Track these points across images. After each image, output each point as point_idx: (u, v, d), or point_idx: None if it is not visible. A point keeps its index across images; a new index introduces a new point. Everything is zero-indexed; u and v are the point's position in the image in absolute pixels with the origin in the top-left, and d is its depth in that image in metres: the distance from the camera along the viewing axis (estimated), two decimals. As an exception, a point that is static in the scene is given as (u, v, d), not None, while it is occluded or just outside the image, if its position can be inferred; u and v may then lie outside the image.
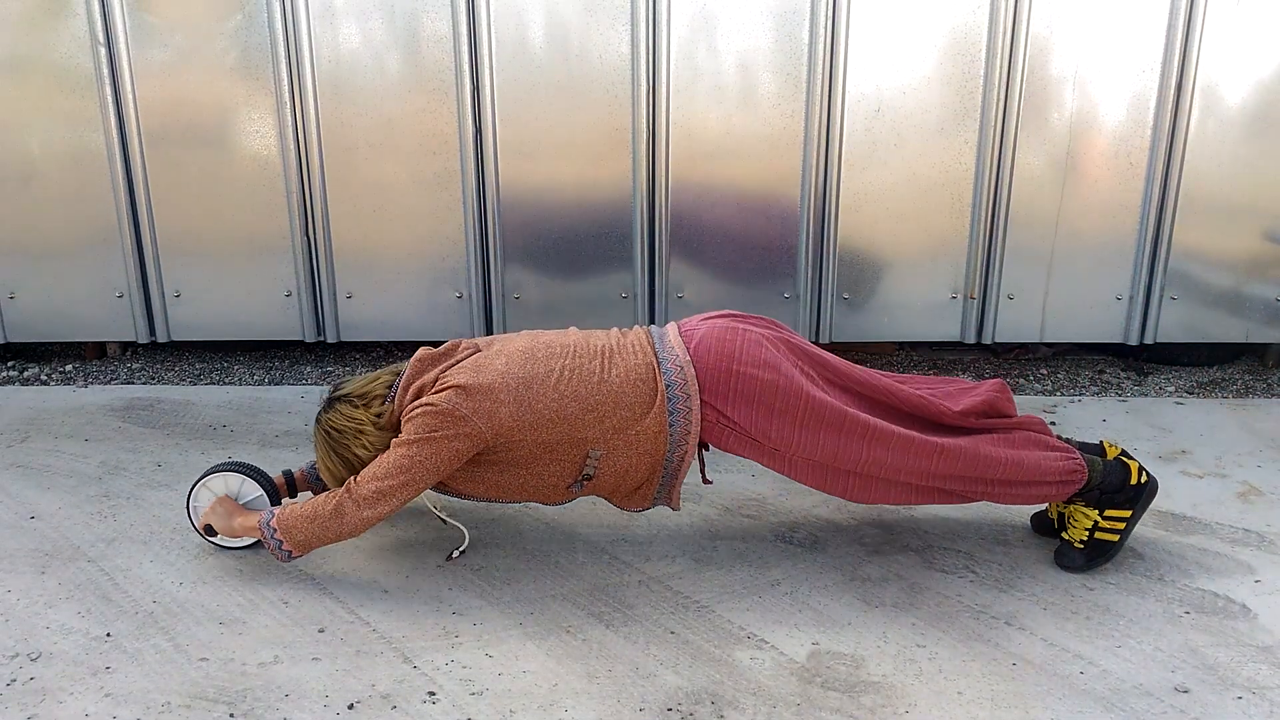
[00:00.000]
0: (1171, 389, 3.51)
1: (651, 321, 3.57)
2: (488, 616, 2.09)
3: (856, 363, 2.31)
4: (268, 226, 3.48)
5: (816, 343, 3.61)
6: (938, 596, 2.16)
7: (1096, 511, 2.23)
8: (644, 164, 3.38)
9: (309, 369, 3.76)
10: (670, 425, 2.12)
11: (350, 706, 1.81)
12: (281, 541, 2.11)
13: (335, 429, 2.20)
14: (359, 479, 2.10)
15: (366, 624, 2.06)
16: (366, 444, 2.18)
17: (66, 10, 3.28)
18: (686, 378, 2.13)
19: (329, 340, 3.62)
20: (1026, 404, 3.34)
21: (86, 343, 3.86)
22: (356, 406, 2.21)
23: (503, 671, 1.91)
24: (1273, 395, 3.45)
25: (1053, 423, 3.14)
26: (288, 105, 3.35)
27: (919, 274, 3.49)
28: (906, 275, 3.49)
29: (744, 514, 2.54)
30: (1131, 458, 2.27)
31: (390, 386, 2.23)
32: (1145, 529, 2.45)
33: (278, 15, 3.26)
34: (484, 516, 2.53)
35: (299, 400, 3.40)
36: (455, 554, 2.34)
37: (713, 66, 3.28)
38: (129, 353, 3.95)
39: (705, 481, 2.37)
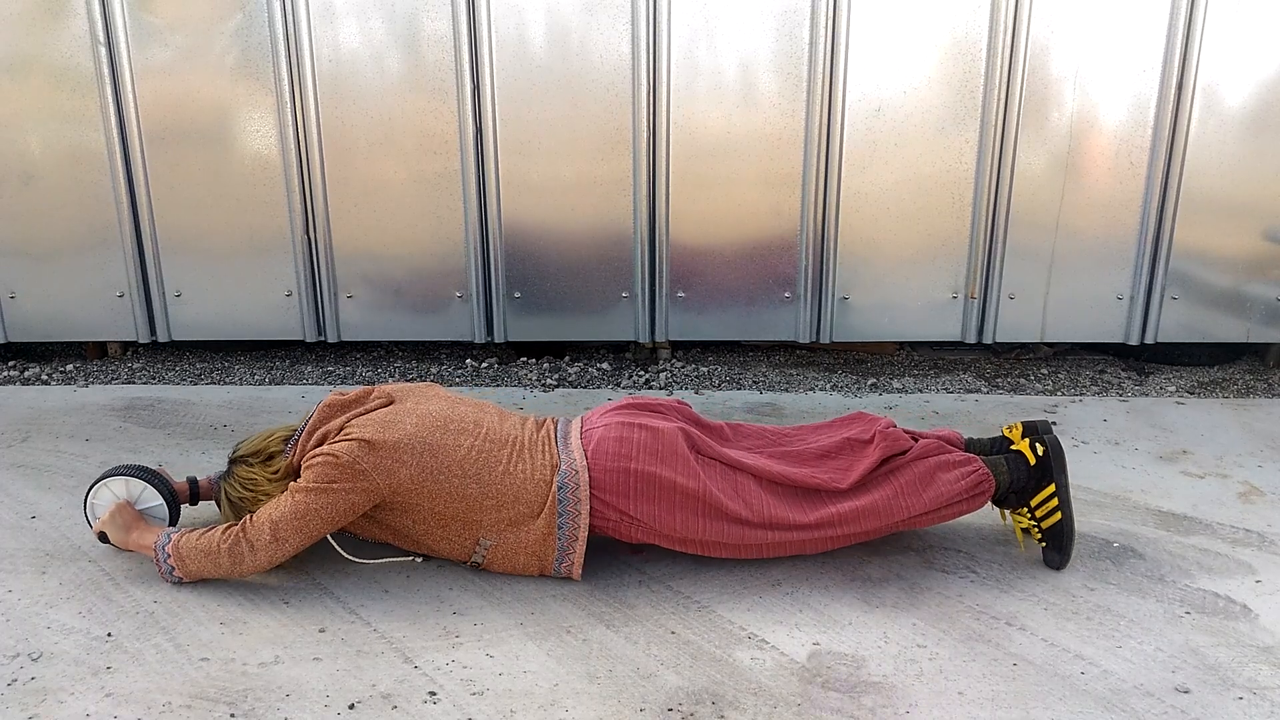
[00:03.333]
0: (1172, 389, 3.51)
1: (651, 321, 3.57)
2: (488, 616, 2.09)
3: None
4: (268, 226, 3.48)
5: (816, 343, 3.62)
6: (938, 596, 2.16)
7: (1025, 510, 2.26)
8: (644, 163, 3.38)
9: (309, 369, 3.76)
10: (559, 528, 2.14)
11: (351, 706, 1.81)
12: (174, 568, 2.14)
13: (236, 496, 2.24)
14: (254, 520, 2.12)
15: (367, 624, 2.06)
16: (265, 501, 2.21)
17: (67, 10, 3.28)
18: (579, 482, 2.14)
19: (329, 340, 3.62)
20: (1027, 404, 3.35)
21: (87, 342, 3.86)
22: (252, 465, 2.24)
23: (503, 671, 1.91)
24: (1273, 395, 3.45)
25: (1054, 423, 3.14)
26: (288, 105, 3.35)
27: (919, 274, 3.49)
28: (907, 275, 3.49)
29: (744, 514, 2.54)
30: (1030, 431, 2.26)
31: (287, 441, 2.26)
32: (1145, 529, 2.45)
33: (278, 15, 3.26)
34: (484, 516, 2.53)
35: (299, 400, 3.40)
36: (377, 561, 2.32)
37: (713, 66, 3.28)
38: (129, 352, 3.95)
39: (634, 553, 2.35)
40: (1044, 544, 2.27)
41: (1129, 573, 2.24)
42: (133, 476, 2.31)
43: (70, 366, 3.77)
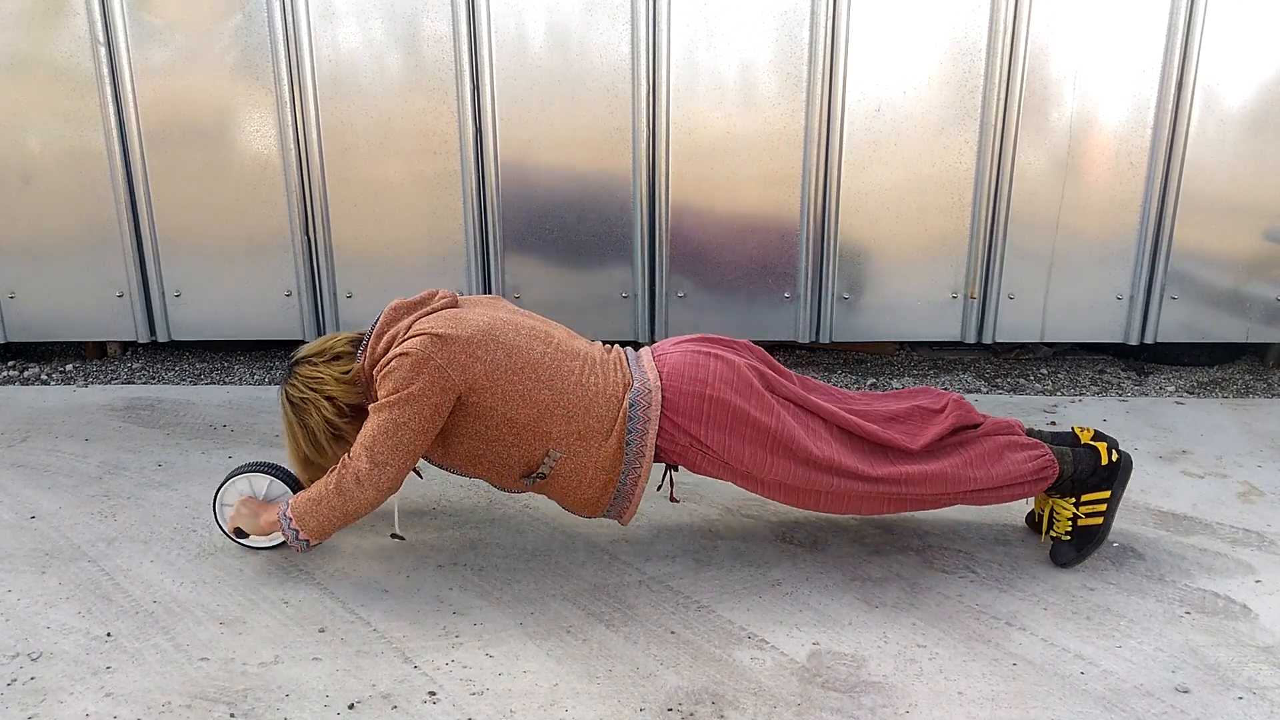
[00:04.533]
0: (1172, 389, 3.51)
1: (651, 321, 3.57)
2: (488, 616, 2.09)
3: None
4: (268, 226, 3.48)
5: (816, 342, 3.62)
6: (938, 596, 2.16)
7: (1072, 500, 2.24)
8: (644, 163, 3.38)
9: (309, 369, 3.75)
10: (626, 445, 2.10)
11: (351, 706, 1.81)
12: (298, 531, 2.07)
13: (298, 397, 2.11)
14: (351, 453, 2.04)
15: (367, 624, 2.06)
16: (333, 407, 2.11)
17: (66, 10, 3.28)
18: (651, 401, 2.09)
19: (329, 340, 3.62)
20: (1027, 404, 3.35)
21: (87, 342, 3.86)
22: (316, 364, 2.12)
23: (503, 671, 1.91)
24: (1273, 395, 3.45)
25: (1052, 423, 3.14)
26: (288, 105, 3.35)
27: (919, 274, 3.49)
28: (907, 275, 3.49)
29: (744, 514, 2.54)
30: (1104, 438, 2.27)
31: (355, 343, 2.17)
32: (1145, 529, 2.45)
33: (278, 15, 3.26)
34: (484, 517, 2.53)
35: (299, 400, 3.40)
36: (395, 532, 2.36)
37: (713, 66, 3.28)
38: (129, 352, 3.95)
39: (673, 500, 2.39)
40: (1066, 538, 2.26)
41: (1129, 573, 2.24)
42: (256, 473, 2.31)
43: (70, 366, 3.77)
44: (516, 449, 2.10)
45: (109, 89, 3.35)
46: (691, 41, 3.26)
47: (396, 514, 2.40)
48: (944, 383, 3.59)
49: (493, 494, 2.65)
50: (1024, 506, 2.55)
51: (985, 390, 3.52)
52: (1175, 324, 3.50)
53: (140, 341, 3.67)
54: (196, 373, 3.72)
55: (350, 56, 3.30)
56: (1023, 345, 3.89)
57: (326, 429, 2.14)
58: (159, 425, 3.17)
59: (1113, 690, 1.85)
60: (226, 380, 3.65)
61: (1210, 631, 2.03)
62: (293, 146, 3.39)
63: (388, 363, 2.02)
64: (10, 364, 3.79)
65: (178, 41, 3.30)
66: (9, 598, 2.16)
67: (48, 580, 2.23)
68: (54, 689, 1.86)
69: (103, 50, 3.31)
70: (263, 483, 2.31)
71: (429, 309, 2.15)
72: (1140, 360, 3.75)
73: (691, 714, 1.79)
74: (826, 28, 3.23)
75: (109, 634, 2.02)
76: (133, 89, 3.35)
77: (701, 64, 3.28)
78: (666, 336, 3.60)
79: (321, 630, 2.04)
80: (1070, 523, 2.25)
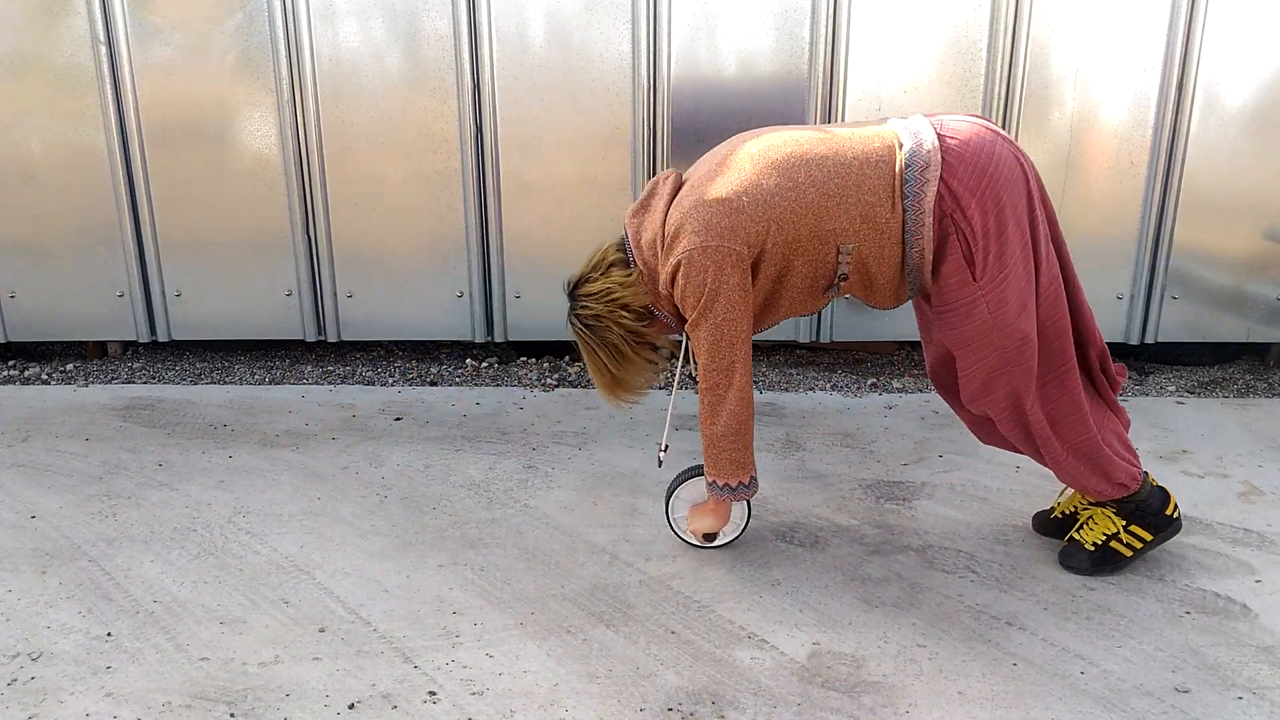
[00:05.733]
0: (1172, 388, 3.51)
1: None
2: (488, 616, 2.09)
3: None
4: (268, 225, 3.48)
5: (816, 342, 3.62)
6: (938, 596, 2.16)
7: (1123, 522, 2.21)
8: (644, 162, 3.38)
9: (309, 368, 3.76)
10: (905, 211, 1.94)
11: (351, 706, 1.81)
12: (726, 483, 2.08)
13: (591, 315, 2.07)
14: (701, 383, 2.02)
15: (367, 624, 2.06)
16: (630, 314, 2.07)
17: (67, 10, 3.28)
18: (930, 161, 1.92)
19: (329, 339, 3.62)
20: (1027, 403, 3.34)
21: (87, 342, 3.86)
22: (595, 279, 2.07)
23: (503, 671, 1.91)
24: (1274, 395, 3.45)
25: (1053, 422, 3.14)
26: (288, 104, 3.35)
27: (919, 273, 3.48)
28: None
29: (744, 514, 2.54)
30: (1171, 494, 2.25)
31: (620, 249, 2.12)
32: (1146, 529, 2.45)
33: (278, 14, 3.26)
34: (484, 517, 2.53)
35: (300, 400, 3.40)
36: (661, 453, 2.36)
37: (713, 65, 3.28)
38: (129, 352, 3.95)
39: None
40: (1090, 548, 2.23)
41: (1129, 573, 2.24)
42: (678, 489, 2.33)
43: (70, 366, 3.77)
44: (808, 265, 2.00)
45: (109, 88, 3.35)
46: (692, 40, 3.25)
47: (668, 427, 2.43)
48: (944, 382, 3.60)
49: (493, 494, 2.66)
50: (1026, 507, 2.56)
51: (985, 390, 3.51)
52: (1175, 324, 3.50)
53: (140, 341, 3.67)
54: (197, 372, 3.72)
55: (351, 56, 3.30)
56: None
57: (629, 338, 2.10)
58: (159, 425, 3.17)
59: (1113, 690, 1.85)
60: (227, 380, 3.65)
61: (1210, 631, 2.03)
62: (293, 146, 3.39)
63: (673, 274, 1.98)
64: (10, 364, 3.79)
65: (178, 41, 3.30)
66: (9, 598, 2.16)
67: (48, 580, 2.23)
68: (54, 689, 1.86)
69: (103, 49, 3.31)
70: (689, 490, 2.33)
71: (667, 198, 2.05)
72: (1140, 360, 3.75)
73: (691, 714, 1.79)
74: (827, 26, 3.23)
75: (109, 634, 2.02)
76: (133, 88, 3.35)
77: (702, 63, 3.28)
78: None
79: (321, 630, 2.04)
80: (1105, 538, 2.22)
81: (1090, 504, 2.27)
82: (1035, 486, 2.68)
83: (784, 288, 2.04)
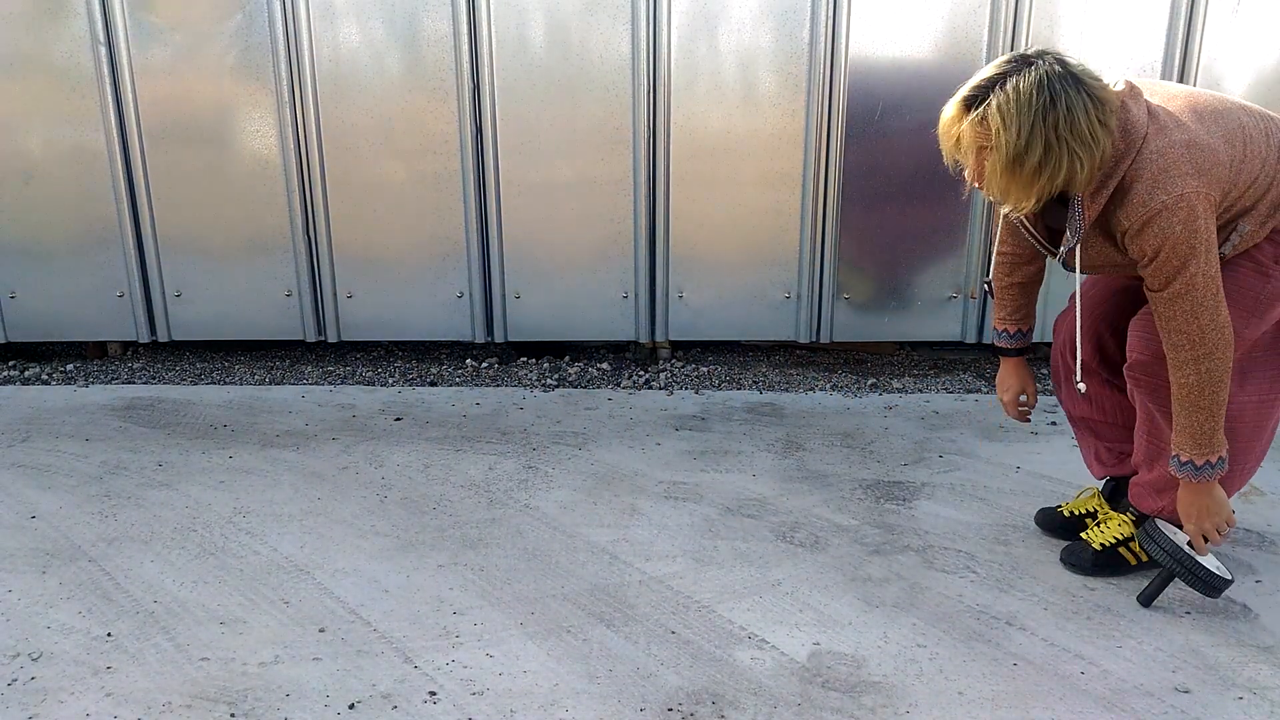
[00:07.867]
0: (1172, 388, 3.50)
1: (651, 321, 3.58)
2: (488, 616, 2.09)
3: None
4: (268, 226, 3.48)
5: (816, 342, 3.62)
6: (938, 596, 2.16)
7: (1140, 530, 2.17)
8: (644, 163, 3.38)
9: (309, 369, 3.76)
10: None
11: (351, 706, 1.81)
12: (1191, 462, 1.92)
13: (1069, 121, 1.70)
14: (1174, 360, 1.87)
15: (367, 624, 2.06)
16: (1080, 173, 1.76)
17: (67, 10, 3.28)
18: None
19: (329, 340, 3.62)
20: (1027, 403, 3.34)
21: (87, 342, 3.86)
22: (1095, 118, 1.73)
23: (503, 671, 1.91)
24: (1273, 395, 3.45)
25: (1053, 423, 3.14)
26: (288, 105, 3.35)
27: (920, 273, 3.48)
28: (907, 275, 3.49)
29: (744, 514, 2.54)
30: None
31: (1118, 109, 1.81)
32: (1146, 529, 2.44)
33: (278, 15, 3.26)
34: (484, 517, 2.53)
35: (300, 400, 3.40)
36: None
37: (713, 65, 3.28)
38: (130, 352, 3.95)
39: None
40: (1099, 548, 2.21)
41: (1129, 572, 2.24)
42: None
43: (70, 366, 3.77)
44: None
45: (109, 88, 3.35)
46: (691, 41, 3.26)
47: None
48: (944, 382, 3.59)
49: (493, 494, 2.66)
50: (1026, 507, 2.55)
51: (985, 390, 3.52)
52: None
53: (141, 341, 3.67)
54: (197, 373, 3.72)
55: (350, 56, 3.30)
56: (1023, 345, 3.88)
57: (1046, 183, 1.76)
58: (159, 425, 3.17)
59: (1113, 690, 1.85)
60: (227, 380, 3.65)
61: (1210, 631, 2.03)
62: (293, 146, 3.39)
63: (1149, 220, 1.78)
64: (10, 364, 3.79)
65: (178, 41, 3.30)
66: (9, 598, 2.16)
67: (48, 580, 2.23)
68: (54, 689, 1.86)
69: (103, 50, 3.31)
70: (1162, 523, 2.13)
71: (1138, 126, 1.80)
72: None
73: (691, 714, 1.79)
74: (827, 26, 3.23)
75: (109, 634, 2.02)
76: (133, 88, 3.35)
77: (701, 63, 3.28)
78: (666, 336, 3.61)
79: (321, 630, 2.04)
80: (1114, 541, 2.21)
81: (1113, 506, 2.27)
82: (1035, 486, 2.68)
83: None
